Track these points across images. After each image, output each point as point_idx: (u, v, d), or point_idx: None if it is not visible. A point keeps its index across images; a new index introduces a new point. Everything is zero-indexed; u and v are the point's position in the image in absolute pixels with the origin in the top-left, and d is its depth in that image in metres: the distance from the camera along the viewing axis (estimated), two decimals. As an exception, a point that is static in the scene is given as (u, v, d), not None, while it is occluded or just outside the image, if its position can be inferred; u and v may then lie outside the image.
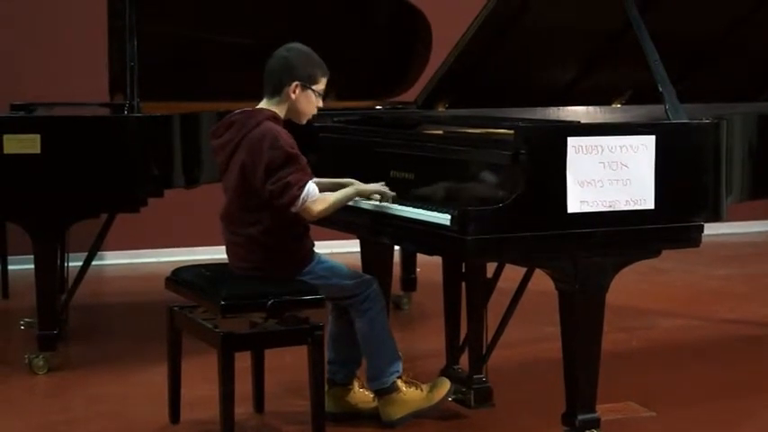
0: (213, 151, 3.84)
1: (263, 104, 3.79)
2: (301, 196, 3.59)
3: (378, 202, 3.73)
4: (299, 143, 3.68)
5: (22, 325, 5.08)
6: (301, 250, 3.78)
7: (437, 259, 4.01)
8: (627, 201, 3.48)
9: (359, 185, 3.77)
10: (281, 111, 3.77)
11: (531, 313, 4.89)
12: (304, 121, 3.85)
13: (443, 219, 3.37)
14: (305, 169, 3.63)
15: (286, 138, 3.65)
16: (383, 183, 3.80)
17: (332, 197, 3.69)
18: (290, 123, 3.80)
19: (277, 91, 3.77)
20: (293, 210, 3.61)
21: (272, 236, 3.69)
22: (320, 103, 3.85)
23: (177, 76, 5.38)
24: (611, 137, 3.46)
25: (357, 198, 3.76)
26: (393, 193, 3.75)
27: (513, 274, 3.99)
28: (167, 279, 3.98)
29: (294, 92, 3.76)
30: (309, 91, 3.78)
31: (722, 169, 3.70)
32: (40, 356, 4.65)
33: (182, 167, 4.84)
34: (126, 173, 4.66)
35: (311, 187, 3.62)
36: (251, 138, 3.65)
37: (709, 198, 3.66)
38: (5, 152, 4.46)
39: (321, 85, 3.82)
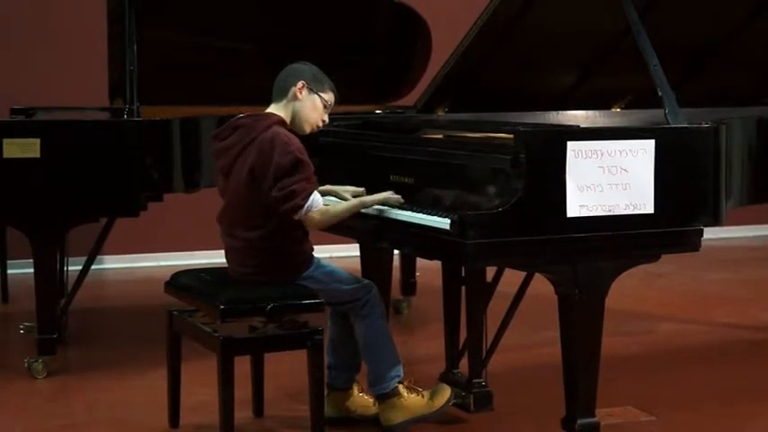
0: (215, 154, 3.83)
1: (270, 109, 3.79)
2: (305, 206, 3.59)
3: (380, 207, 3.73)
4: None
5: (21, 329, 5.07)
6: (301, 255, 3.77)
7: (436, 263, 4.01)
8: (626, 205, 3.48)
9: (364, 198, 3.77)
10: (287, 114, 3.77)
11: (531, 317, 4.89)
12: (308, 130, 3.83)
13: (443, 223, 3.37)
14: (311, 178, 3.63)
15: (296, 143, 3.65)
16: (392, 192, 3.76)
17: (334, 209, 3.69)
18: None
19: (283, 93, 3.78)
20: (296, 217, 3.62)
21: (272, 240, 3.69)
22: (326, 118, 3.84)
23: (177, 81, 5.38)
24: (611, 141, 3.46)
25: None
26: (398, 197, 3.73)
27: (512, 278, 3.99)
28: (167, 283, 3.98)
29: (300, 92, 3.76)
30: (315, 95, 3.78)
31: (722, 173, 3.70)
32: (40, 361, 4.65)
33: (181, 172, 4.84)
34: (125, 177, 4.66)
35: (316, 197, 3.62)
36: (261, 140, 3.64)
37: (709, 202, 3.66)
38: (5, 156, 4.46)
39: (327, 96, 3.81)
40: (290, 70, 3.82)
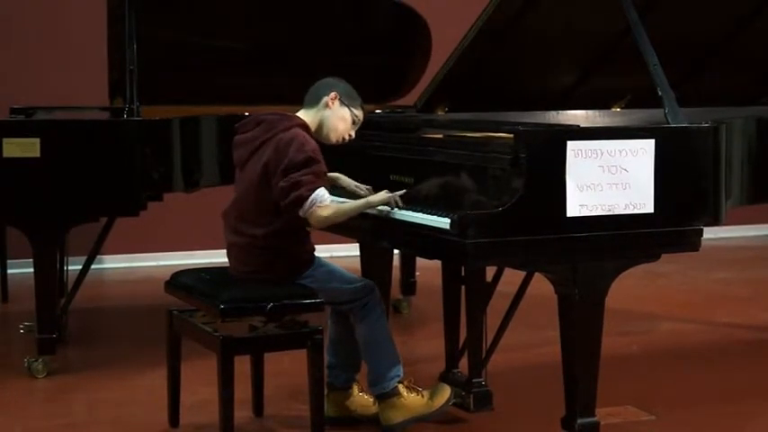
0: (234, 146, 3.83)
1: (298, 114, 3.80)
2: (310, 198, 3.58)
3: (383, 208, 3.73)
4: None
5: (21, 329, 5.07)
6: (302, 254, 3.78)
7: (436, 263, 4.01)
8: (626, 205, 3.48)
9: (370, 197, 3.76)
10: (313, 121, 3.79)
11: (531, 317, 4.89)
12: (333, 140, 3.84)
13: (443, 223, 3.37)
14: (319, 175, 3.63)
15: (313, 145, 3.67)
16: (394, 191, 3.76)
17: (341, 207, 3.68)
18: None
19: (315, 101, 3.81)
20: (300, 212, 3.60)
21: (276, 239, 3.69)
22: (353, 133, 3.87)
23: (177, 81, 5.38)
24: (611, 141, 3.46)
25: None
26: (402, 193, 3.73)
27: (512, 277, 3.99)
28: (167, 283, 3.98)
29: (332, 102, 3.79)
30: (346, 108, 3.81)
31: (721, 173, 3.70)
32: (40, 360, 4.65)
33: (181, 171, 4.84)
34: (125, 177, 4.66)
35: (322, 192, 3.61)
36: (279, 139, 3.65)
37: (709, 202, 3.66)
38: (5, 156, 4.46)
39: (358, 112, 3.86)
40: (325, 82, 3.86)
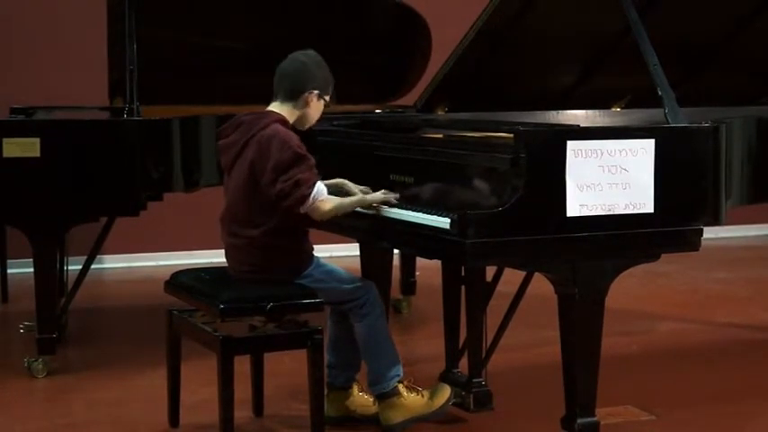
0: (219, 151, 3.85)
1: (273, 107, 3.80)
2: (312, 195, 3.59)
3: (381, 207, 3.73)
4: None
5: (21, 329, 5.08)
6: (301, 253, 3.78)
7: (436, 263, 4.01)
8: (626, 204, 3.48)
9: (365, 196, 3.77)
10: (292, 116, 3.79)
11: (531, 317, 4.89)
12: (306, 128, 3.87)
13: (443, 222, 3.38)
14: (313, 169, 3.64)
15: (296, 140, 3.67)
16: (384, 191, 3.77)
17: (339, 200, 3.70)
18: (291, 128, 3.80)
19: (294, 96, 3.79)
20: (302, 209, 3.61)
21: (274, 238, 3.69)
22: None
23: (177, 81, 5.38)
24: (611, 140, 3.47)
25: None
26: (396, 195, 3.74)
27: (512, 277, 3.99)
28: (166, 283, 3.98)
29: (311, 98, 3.79)
30: (322, 101, 3.83)
31: (721, 173, 3.70)
32: (40, 360, 4.65)
33: (181, 171, 4.84)
34: (125, 176, 4.66)
35: (320, 186, 3.63)
36: (260, 137, 3.66)
37: (709, 202, 3.66)
38: (5, 155, 4.46)
39: (329, 98, 3.87)
40: (301, 70, 3.81)
